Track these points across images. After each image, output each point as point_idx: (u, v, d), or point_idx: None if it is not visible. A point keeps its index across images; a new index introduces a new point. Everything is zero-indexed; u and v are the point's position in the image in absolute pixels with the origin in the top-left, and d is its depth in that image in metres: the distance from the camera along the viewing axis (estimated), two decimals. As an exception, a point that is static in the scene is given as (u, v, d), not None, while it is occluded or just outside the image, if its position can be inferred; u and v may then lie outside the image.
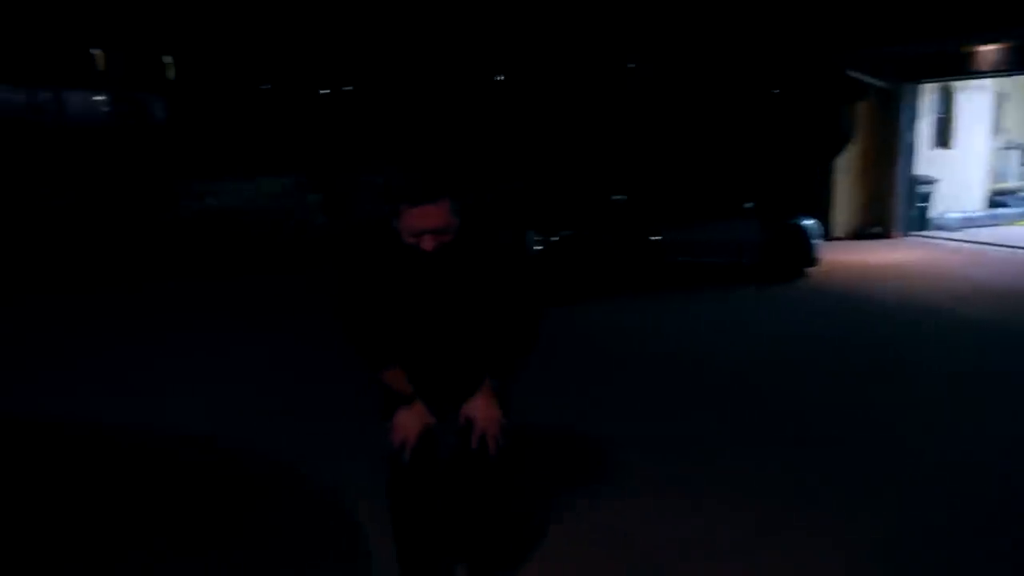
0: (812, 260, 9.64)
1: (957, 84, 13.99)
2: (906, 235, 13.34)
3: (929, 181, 13.59)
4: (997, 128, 15.23)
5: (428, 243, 2.50)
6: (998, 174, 15.78)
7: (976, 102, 14.44)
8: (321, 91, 18.31)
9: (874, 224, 13.52)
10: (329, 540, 3.37)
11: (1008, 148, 16.11)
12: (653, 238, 8.75)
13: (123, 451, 4.41)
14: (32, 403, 5.17)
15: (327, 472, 3.98)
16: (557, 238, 8.25)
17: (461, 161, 13.07)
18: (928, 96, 13.76)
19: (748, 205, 9.39)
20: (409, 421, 2.65)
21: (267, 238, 11.75)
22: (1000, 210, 15.00)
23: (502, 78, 20.64)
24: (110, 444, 4.50)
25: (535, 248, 8.11)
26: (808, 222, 9.66)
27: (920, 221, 13.54)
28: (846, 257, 11.14)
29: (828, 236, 11.91)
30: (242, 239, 11.63)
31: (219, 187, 12.27)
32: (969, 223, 14.02)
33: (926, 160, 13.68)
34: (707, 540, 3.35)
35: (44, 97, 13.38)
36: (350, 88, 18.32)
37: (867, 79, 13.01)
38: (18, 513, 3.63)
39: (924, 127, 13.75)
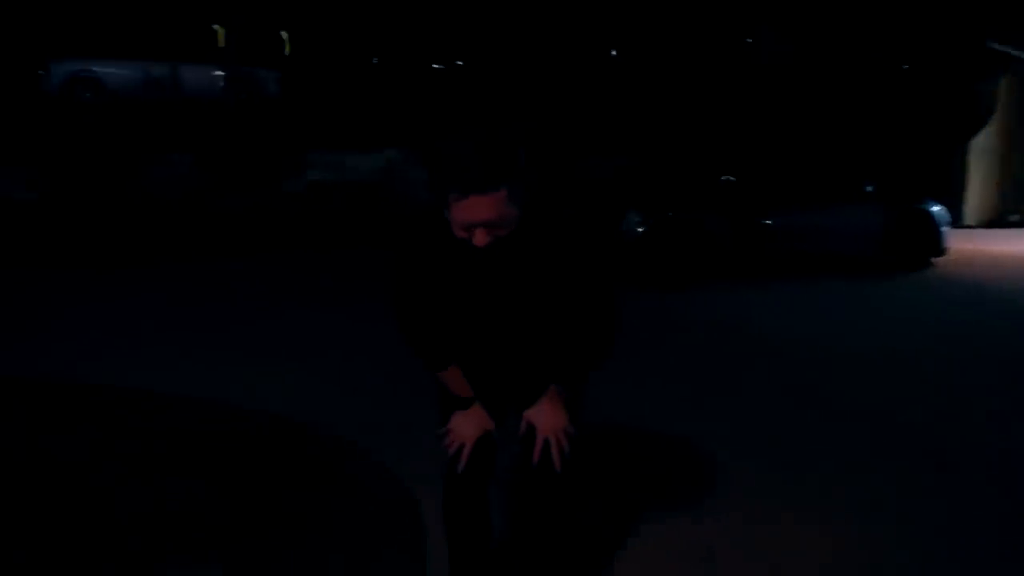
0: (940, 249, 8.91)
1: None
2: (1049, 224, 12.28)
3: (1078, 165, 12.45)
4: None
5: (480, 238, 2.12)
6: None
7: None
8: (431, 65, 18.28)
9: (1013, 211, 12.48)
10: (388, 533, 3.21)
11: None
12: (764, 222, 8.25)
13: (200, 422, 4.38)
14: (121, 374, 5.22)
15: (398, 460, 3.83)
16: (661, 219, 7.88)
17: (547, 136, 12.78)
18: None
19: (868, 188, 8.75)
20: (466, 426, 2.41)
21: (368, 212, 11.78)
22: None
23: (615, 52, 20.20)
24: (192, 414, 4.48)
25: (637, 229, 7.77)
26: (936, 208, 8.93)
27: (1066, 209, 12.44)
28: (979, 246, 10.29)
29: (959, 223, 11.05)
30: (345, 213, 11.70)
31: (325, 160, 12.39)
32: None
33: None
34: (800, 568, 3.02)
35: (161, 72, 13.75)
36: (460, 62, 18.22)
37: (1011, 51, 11.94)
38: (90, 485, 3.62)
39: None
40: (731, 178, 8.53)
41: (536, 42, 16.84)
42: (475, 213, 2.07)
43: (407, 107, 15.32)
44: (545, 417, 2.36)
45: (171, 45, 14.27)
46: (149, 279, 8.30)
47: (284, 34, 20.71)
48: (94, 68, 13.87)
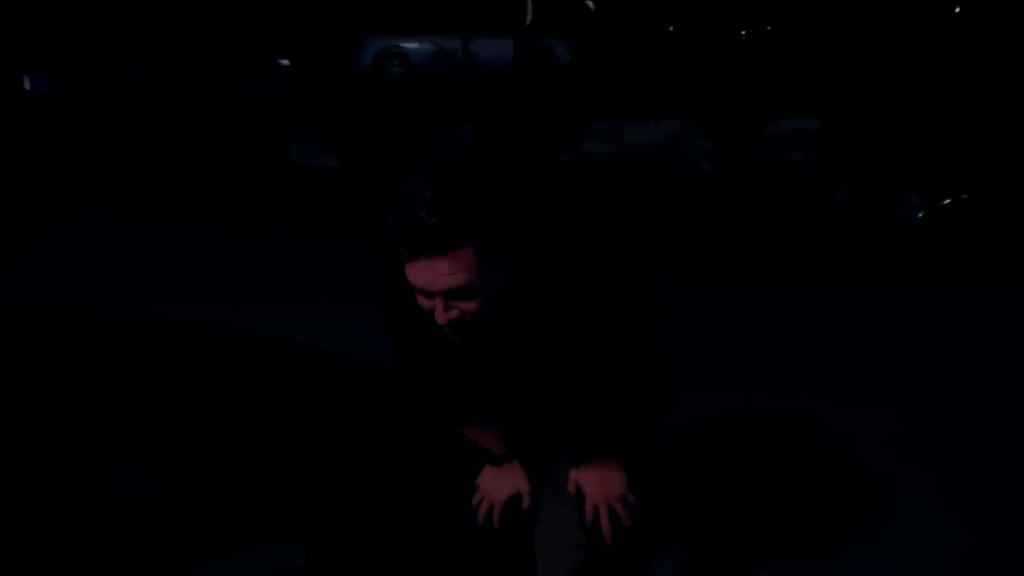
0: None
1: None
2: None
3: None
4: None
5: (440, 314, 1.60)
6: None
7: None
8: (737, 31, 17.33)
9: None
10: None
11: None
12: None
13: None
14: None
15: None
16: (950, 202, 6.72)
17: (854, 108, 11.49)
18: None
19: None
20: (498, 487, 2.05)
21: (647, 184, 11.45)
22: None
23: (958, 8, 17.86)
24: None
25: (915, 214, 6.69)
26: None
27: None
28: None
29: None
30: (622, 183, 11.47)
31: (602, 131, 12.22)
32: None
33: None
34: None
35: (455, 46, 14.37)
36: (752, 30, 17.09)
37: None
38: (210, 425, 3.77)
39: None
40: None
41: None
42: (429, 278, 1.56)
43: (697, 77, 14.67)
44: (595, 483, 1.92)
45: (468, 20, 14.86)
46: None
47: (590, 3, 20.78)
48: (401, 44, 14.85)
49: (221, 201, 9.23)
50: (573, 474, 1.94)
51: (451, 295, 1.58)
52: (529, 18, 15.70)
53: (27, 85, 14.72)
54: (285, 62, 15.65)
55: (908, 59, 14.47)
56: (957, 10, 18.00)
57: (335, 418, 4.06)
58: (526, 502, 2.04)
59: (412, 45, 14.68)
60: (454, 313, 1.60)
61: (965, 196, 6.77)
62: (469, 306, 1.60)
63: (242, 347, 5.02)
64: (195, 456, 3.61)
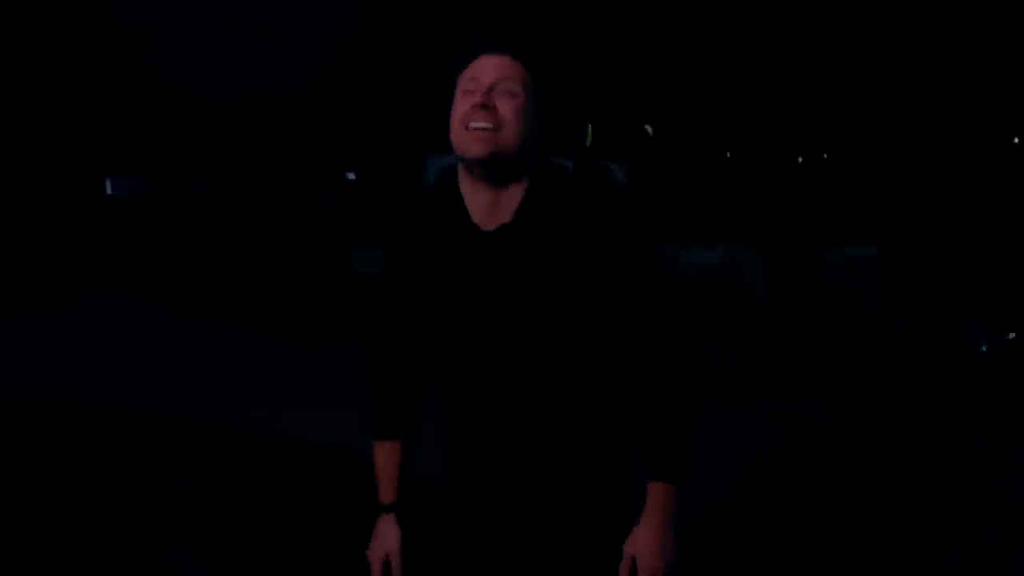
0: None
1: None
2: None
3: None
4: None
5: (476, 97, 1.55)
6: None
7: None
8: (781, 160, 17.61)
9: None
10: None
11: None
12: None
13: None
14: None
15: None
16: (1014, 336, 6.59)
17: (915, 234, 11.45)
18: None
19: None
20: (375, 540, 1.78)
21: (703, 305, 11.43)
22: None
23: (1017, 141, 17.95)
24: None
25: (983, 347, 6.57)
26: None
27: None
28: None
29: None
30: (678, 304, 11.46)
31: (661, 252, 12.29)
32: None
33: None
34: None
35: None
36: (810, 157, 17.33)
37: None
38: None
39: None
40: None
41: (904, 132, 15.47)
42: (483, 68, 1.57)
43: (753, 201, 14.83)
44: (648, 551, 1.61)
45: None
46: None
47: (648, 127, 21.35)
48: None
49: (284, 305, 9.46)
50: (626, 546, 1.64)
51: (496, 89, 1.57)
52: (589, 140, 16.18)
53: (108, 189, 15.48)
54: (351, 175, 16.23)
55: (968, 185, 14.48)
56: (1016, 140, 18.10)
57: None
58: (395, 552, 1.75)
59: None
60: (490, 123, 1.56)
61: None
62: (505, 108, 1.56)
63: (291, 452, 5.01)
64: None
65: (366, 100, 17.69)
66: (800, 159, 19.14)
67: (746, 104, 17.21)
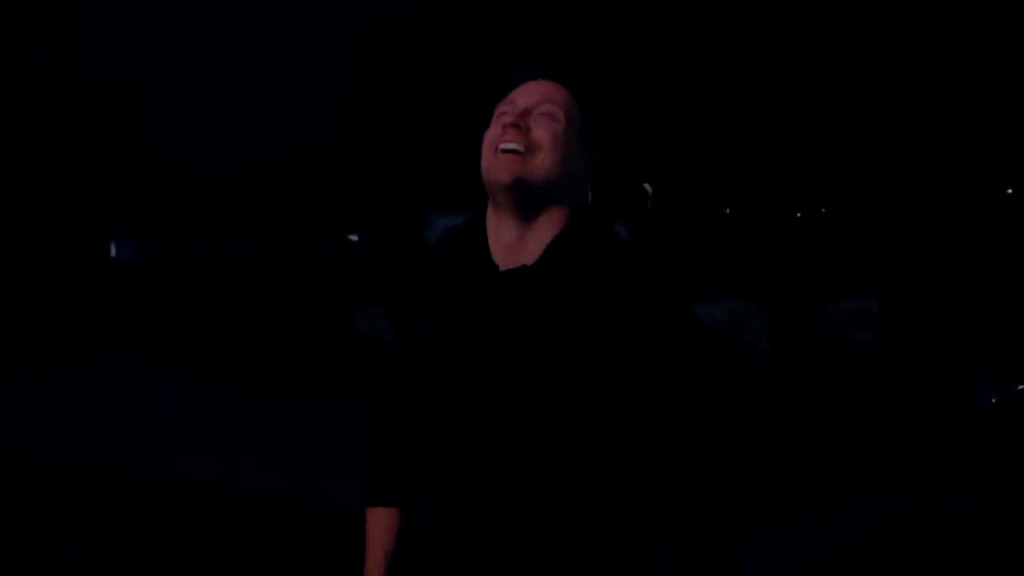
0: None
1: None
2: None
3: None
4: None
5: (508, 117, 1.39)
6: None
7: None
8: (784, 215, 17.74)
9: None
10: None
11: None
12: None
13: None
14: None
15: None
16: (1022, 388, 6.57)
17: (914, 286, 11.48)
18: None
19: None
20: None
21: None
22: None
23: (1011, 191, 18.08)
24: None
25: (990, 399, 6.55)
26: None
27: None
28: None
29: None
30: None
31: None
32: None
33: None
34: None
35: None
36: (811, 211, 17.46)
37: None
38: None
39: None
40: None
41: (908, 185, 15.62)
42: (524, 93, 1.42)
43: (754, 257, 14.89)
44: None
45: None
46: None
47: (647, 186, 21.54)
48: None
49: (286, 367, 9.44)
50: None
51: (534, 112, 1.41)
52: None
53: (112, 252, 15.57)
54: (354, 237, 16.33)
55: (969, 237, 14.55)
56: (1009, 191, 18.20)
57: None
58: None
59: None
60: (521, 132, 1.39)
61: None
62: (540, 131, 1.39)
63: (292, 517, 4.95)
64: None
65: (368, 160, 17.90)
66: (799, 213, 19.26)
67: (744, 159, 17.40)
